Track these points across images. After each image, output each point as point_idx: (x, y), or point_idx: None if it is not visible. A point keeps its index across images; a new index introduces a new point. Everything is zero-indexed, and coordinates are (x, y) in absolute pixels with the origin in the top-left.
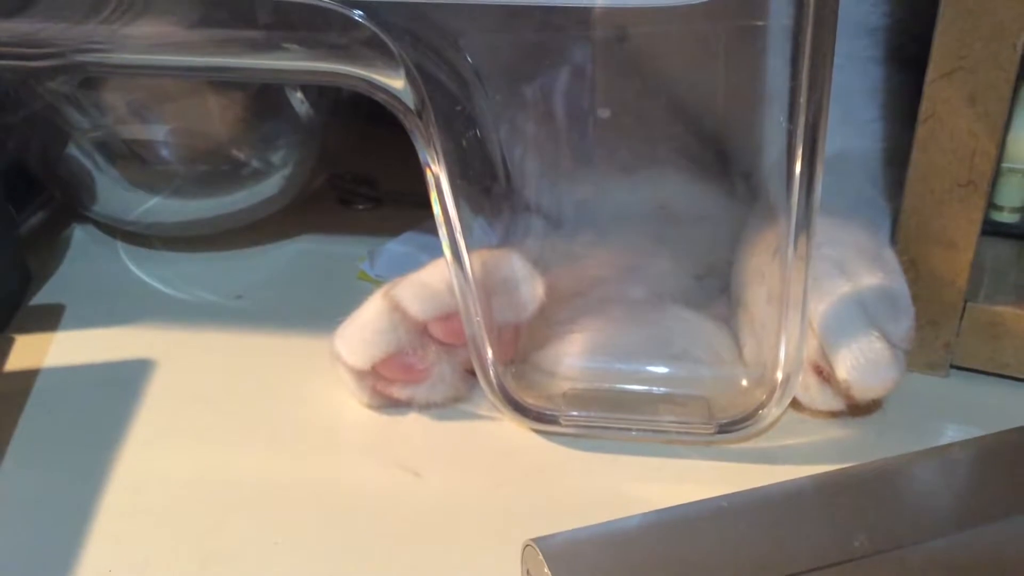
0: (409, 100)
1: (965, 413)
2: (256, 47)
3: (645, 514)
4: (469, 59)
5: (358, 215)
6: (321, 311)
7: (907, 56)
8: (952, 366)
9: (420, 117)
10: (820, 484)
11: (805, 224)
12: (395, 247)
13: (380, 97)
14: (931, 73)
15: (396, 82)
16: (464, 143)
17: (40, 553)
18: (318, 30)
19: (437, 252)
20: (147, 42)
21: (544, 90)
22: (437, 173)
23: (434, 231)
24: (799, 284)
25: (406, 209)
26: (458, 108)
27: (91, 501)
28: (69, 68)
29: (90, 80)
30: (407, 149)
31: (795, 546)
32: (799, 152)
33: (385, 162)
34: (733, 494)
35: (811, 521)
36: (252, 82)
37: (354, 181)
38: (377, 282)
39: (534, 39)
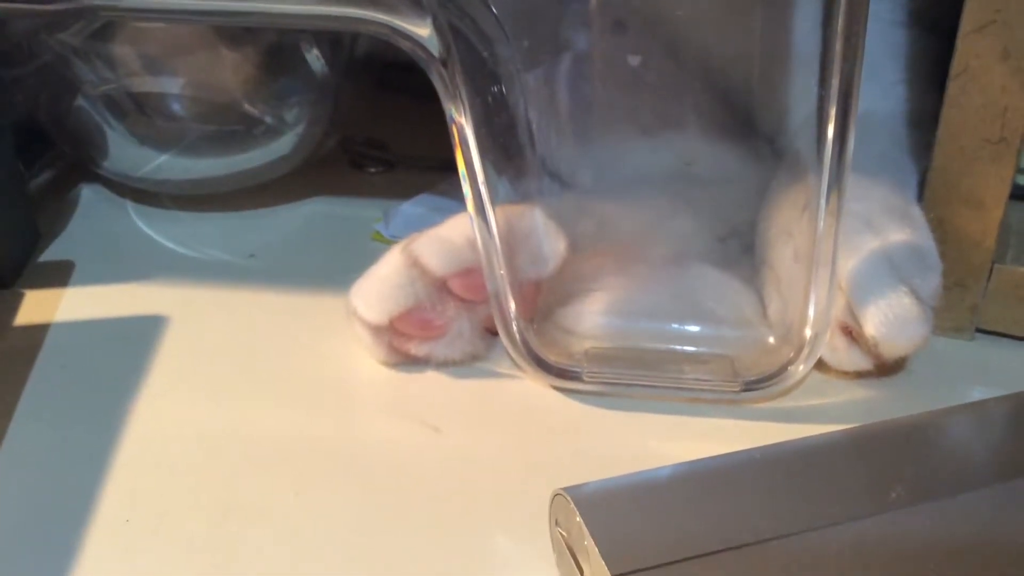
0: (434, 48)
1: (991, 376)
2: None
3: (676, 465)
4: (495, 13)
5: (370, 178)
6: (335, 271)
7: (931, 19)
8: (978, 330)
9: (445, 66)
10: (855, 437)
11: (837, 181)
12: (410, 208)
13: (404, 45)
14: (964, 26)
15: (422, 30)
16: (488, 99)
17: (56, 506)
18: None
19: (452, 213)
20: None
21: (568, 47)
22: (461, 125)
23: (449, 194)
24: (829, 241)
25: (417, 173)
26: (483, 60)
27: (106, 454)
28: (80, 12)
29: (101, 32)
30: (419, 114)
31: (830, 497)
32: (832, 113)
33: (397, 127)
34: (766, 446)
35: (846, 473)
36: (271, 28)
37: (366, 144)
38: (392, 243)
39: None
